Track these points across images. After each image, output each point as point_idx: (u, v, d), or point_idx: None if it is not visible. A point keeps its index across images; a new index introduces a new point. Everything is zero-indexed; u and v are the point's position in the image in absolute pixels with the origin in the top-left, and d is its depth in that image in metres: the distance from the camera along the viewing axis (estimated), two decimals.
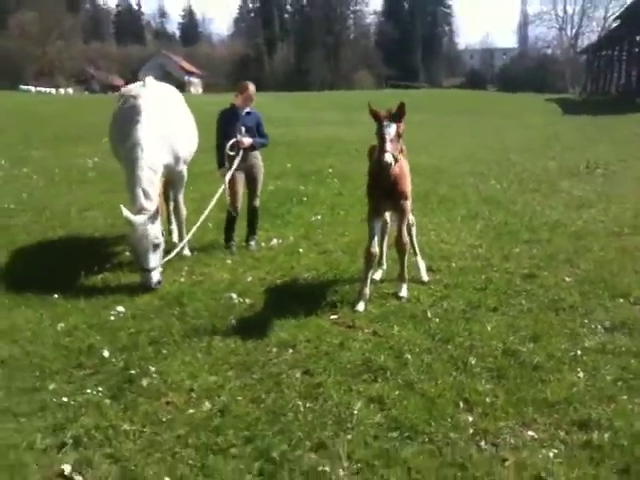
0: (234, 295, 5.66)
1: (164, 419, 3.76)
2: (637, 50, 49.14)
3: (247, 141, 7.24)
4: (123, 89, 7.79)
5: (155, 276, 6.02)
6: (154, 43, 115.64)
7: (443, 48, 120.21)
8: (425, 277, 6.12)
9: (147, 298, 5.80)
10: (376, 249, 5.59)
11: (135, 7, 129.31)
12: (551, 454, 3.27)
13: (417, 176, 10.70)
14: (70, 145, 18.23)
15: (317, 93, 64.59)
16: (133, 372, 4.31)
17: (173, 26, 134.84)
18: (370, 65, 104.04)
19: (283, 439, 3.47)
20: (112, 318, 5.26)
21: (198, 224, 7.03)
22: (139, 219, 5.99)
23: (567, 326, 4.89)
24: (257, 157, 7.49)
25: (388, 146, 5.10)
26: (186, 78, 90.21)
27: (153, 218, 6.04)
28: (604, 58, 61.73)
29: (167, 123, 6.72)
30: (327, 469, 3.21)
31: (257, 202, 7.62)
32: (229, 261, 6.93)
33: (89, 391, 4.10)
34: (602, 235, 7.49)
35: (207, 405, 3.91)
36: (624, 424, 3.50)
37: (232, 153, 7.15)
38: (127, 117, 6.55)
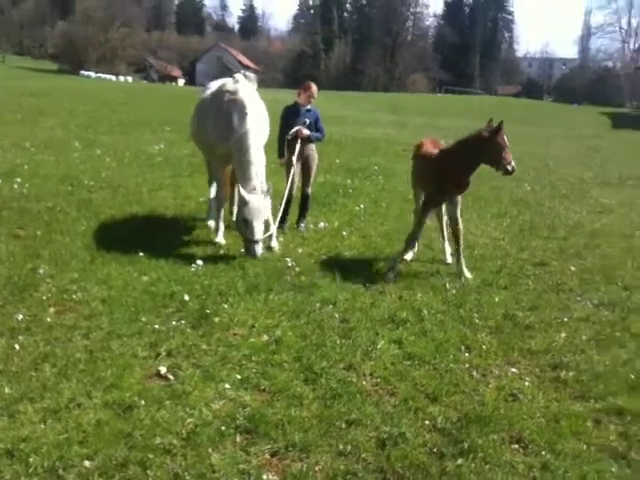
0: (288, 259, 6.84)
1: (233, 343, 4.93)
2: None
3: (306, 132, 8.27)
4: (213, 84, 8.68)
5: (260, 247, 7.10)
6: (213, 35, 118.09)
7: (501, 55, 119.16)
8: (449, 260, 7.16)
9: (214, 262, 6.95)
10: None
11: None
12: (526, 383, 4.32)
13: None
14: (136, 131, 19.61)
15: (370, 94, 65.53)
16: (208, 311, 5.49)
17: (233, 19, 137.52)
18: (426, 68, 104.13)
19: (323, 360, 4.61)
20: (192, 269, 6.49)
21: (282, 208, 8.10)
22: (254, 196, 7.07)
23: (562, 302, 5.89)
24: (313, 149, 8.59)
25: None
26: (242, 72, 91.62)
27: (265, 195, 7.17)
28: None
29: (258, 115, 7.71)
30: (354, 380, 4.33)
31: (310, 190, 8.70)
32: (282, 239, 8.06)
33: (174, 322, 5.28)
34: (614, 236, 8.39)
35: (265, 337, 5.07)
36: (588, 368, 4.52)
37: (291, 138, 8.20)
38: (231, 110, 7.48)
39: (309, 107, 8.51)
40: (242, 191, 7.09)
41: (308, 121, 8.36)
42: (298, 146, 8.24)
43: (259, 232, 7.06)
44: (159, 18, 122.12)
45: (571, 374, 4.44)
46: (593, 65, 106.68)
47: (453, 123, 30.21)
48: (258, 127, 7.56)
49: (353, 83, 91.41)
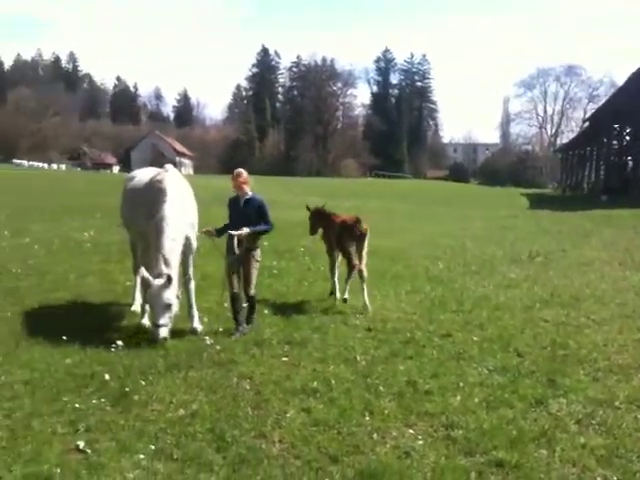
0: (207, 338, 7.17)
1: (150, 418, 5.18)
2: (604, 150, 52.45)
3: (246, 230, 7.64)
4: (137, 172, 9.12)
5: (162, 332, 7.10)
6: (148, 124, 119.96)
7: (428, 141, 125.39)
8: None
9: (137, 343, 7.16)
10: None
11: (132, 89, 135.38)
12: (420, 441, 4.74)
13: (378, 256, 12.37)
14: (66, 218, 19.76)
15: (302, 179, 67.43)
16: (127, 389, 5.73)
17: (168, 108, 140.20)
18: (357, 154, 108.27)
19: (235, 429, 4.92)
20: (112, 350, 6.71)
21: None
22: (156, 281, 7.17)
23: (461, 369, 6.40)
24: (254, 251, 7.85)
25: None
26: (177, 159, 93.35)
27: (168, 282, 7.09)
28: (577, 157, 65.40)
29: (184, 203, 8.00)
30: (264, 447, 4.66)
31: (252, 291, 7.89)
32: (206, 319, 8.35)
33: (94, 401, 5.51)
34: (516, 308, 9.06)
35: (182, 411, 5.35)
36: (476, 426, 4.99)
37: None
38: (154, 197, 7.68)
39: (249, 196, 7.94)
40: (145, 274, 7.14)
41: (246, 230, 7.68)
42: (237, 249, 7.66)
43: (158, 317, 7.11)
44: (94, 107, 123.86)
45: (460, 432, 4.89)
46: (514, 149, 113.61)
47: (381, 205, 31.57)
48: (178, 215, 7.64)
49: (288, 169, 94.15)
